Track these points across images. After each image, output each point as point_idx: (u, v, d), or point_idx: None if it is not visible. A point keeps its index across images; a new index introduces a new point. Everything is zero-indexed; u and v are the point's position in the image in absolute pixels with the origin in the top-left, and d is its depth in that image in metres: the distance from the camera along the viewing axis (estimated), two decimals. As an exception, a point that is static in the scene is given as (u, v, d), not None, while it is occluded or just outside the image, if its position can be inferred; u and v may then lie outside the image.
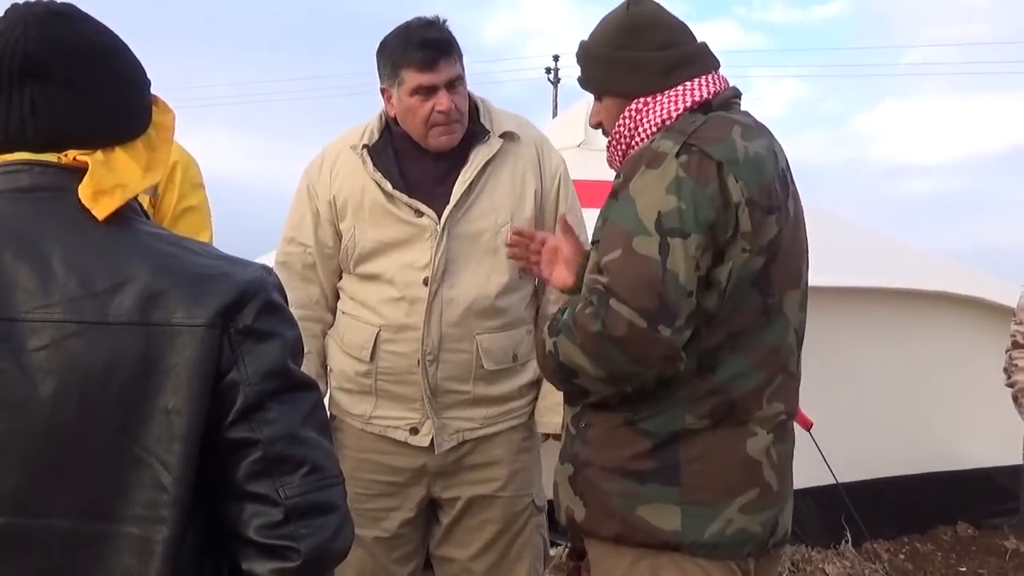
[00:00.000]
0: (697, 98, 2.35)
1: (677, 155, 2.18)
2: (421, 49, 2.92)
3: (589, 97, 2.56)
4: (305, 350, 3.03)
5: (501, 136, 3.08)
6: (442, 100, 2.93)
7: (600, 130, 2.53)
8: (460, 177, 3.00)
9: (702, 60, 2.42)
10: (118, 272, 1.45)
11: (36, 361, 1.41)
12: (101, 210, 1.48)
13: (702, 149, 2.19)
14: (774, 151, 2.34)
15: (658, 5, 2.46)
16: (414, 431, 3.04)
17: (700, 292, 2.17)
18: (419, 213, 2.98)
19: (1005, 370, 2.88)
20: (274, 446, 1.47)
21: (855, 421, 5.73)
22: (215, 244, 3.58)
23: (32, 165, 1.51)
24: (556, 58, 33.82)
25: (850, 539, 5.68)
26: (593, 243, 2.32)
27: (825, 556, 5.61)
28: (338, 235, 3.09)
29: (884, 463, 6.00)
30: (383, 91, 3.05)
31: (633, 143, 2.39)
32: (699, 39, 2.48)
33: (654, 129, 2.34)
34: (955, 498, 6.24)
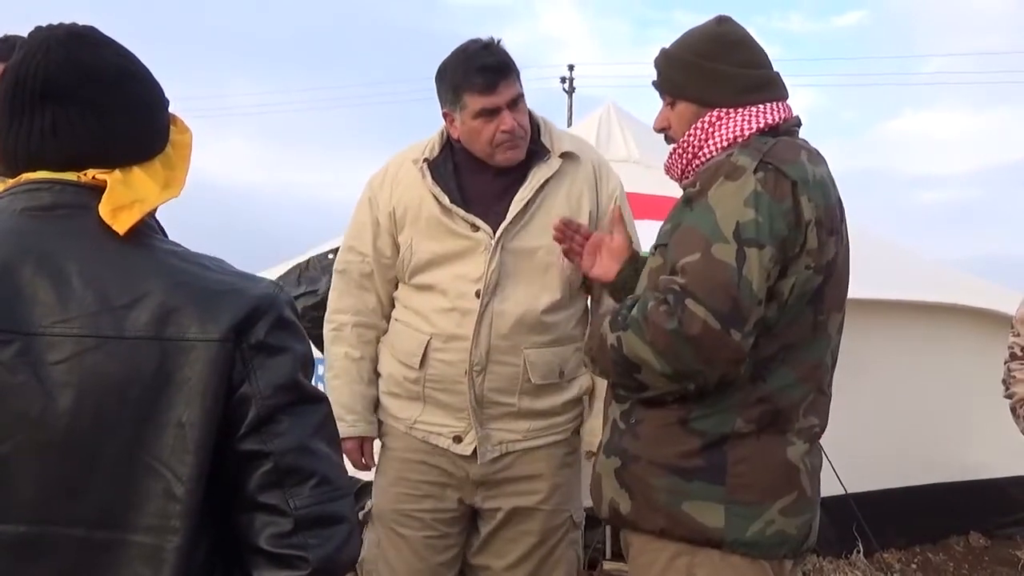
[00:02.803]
0: (770, 121, 2.44)
1: (755, 171, 2.27)
2: (482, 74, 2.98)
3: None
4: (358, 356, 3.17)
5: (561, 156, 3.13)
6: (506, 120, 2.99)
7: (663, 136, 2.60)
8: (518, 195, 3.06)
9: (776, 87, 2.52)
10: (134, 288, 1.49)
11: (55, 374, 1.45)
12: (121, 225, 1.51)
13: (778, 168, 2.29)
14: (832, 179, 2.44)
15: (744, 27, 2.55)
16: (457, 439, 3.09)
17: (764, 303, 2.25)
18: (475, 227, 3.04)
19: (1003, 382, 2.89)
20: (284, 458, 1.51)
21: (866, 431, 5.73)
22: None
23: (52, 183, 1.55)
24: (571, 67, 33.78)
25: (861, 549, 5.68)
26: (659, 246, 2.42)
27: (837, 566, 5.62)
28: (396, 245, 3.16)
29: (896, 473, 6.01)
30: (445, 115, 3.10)
31: (700, 154, 2.47)
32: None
33: (724, 144, 2.43)
34: (967, 508, 6.24)
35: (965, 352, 6.18)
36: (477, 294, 3.02)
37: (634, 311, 2.30)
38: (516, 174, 3.09)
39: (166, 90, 1.68)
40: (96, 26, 1.63)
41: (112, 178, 1.54)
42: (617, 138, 7.06)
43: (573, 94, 33.52)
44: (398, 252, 3.15)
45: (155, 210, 1.60)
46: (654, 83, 2.59)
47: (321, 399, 1.59)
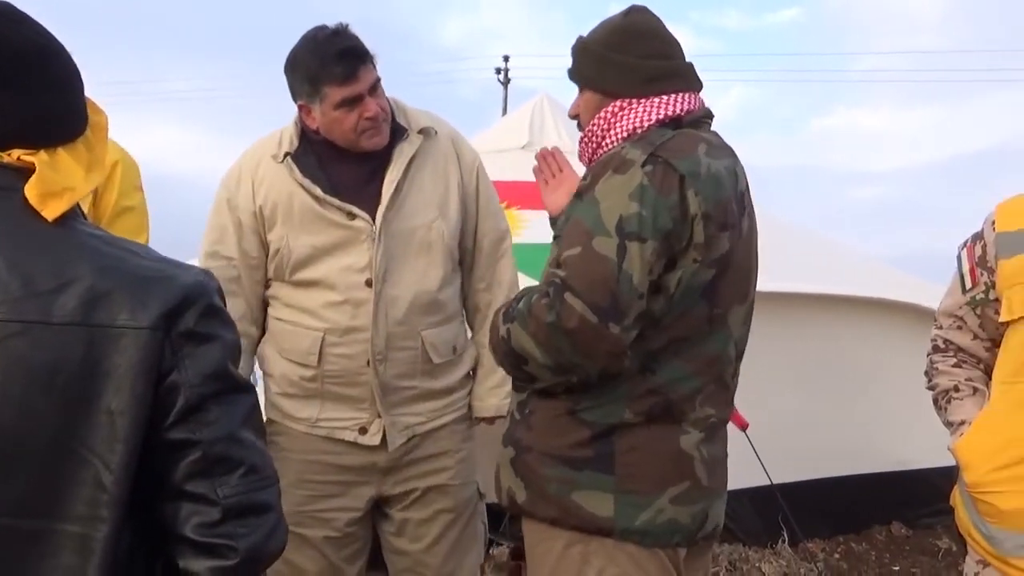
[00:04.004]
0: (670, 112, 2.44)
1: (643, 164, 2.27)
2: (340, 62, 2.91)
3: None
4: None
5: (419, 132, 3.11)
6: (369, 107, 2.95)
7: (576, 123, 2.61)
8: (387, 177, 3.03)
9: (683, 78, 2.51)
10: (61, 273, 1.47)
11: None
12: (50, 213, 1.50)
13: (668, 161, 2.28)
14: (735, 172, 2.43)
15: (656, 18, 2.54)
16: (363, 431, 3.07)
17: (649, 296, 2.25)
18: (352, 216, 2.99)
19: (926, 373, 2.93)
20: (213, 447, 1.50)
21: (791, 422, 5.80)
22: (152, 244, 3.57)
23: None
24: (506, 58, 33.79)
25: (787, 539, 5.74)
26: (555, 238, 2.41)
27: (762, 556, 5.67)
28: (263, 245, 3.08)
29: (821, 464, 6.07)
30: (301, 107, 3.03)
31: (603, 143, 2.48)
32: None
33: (624, 135, 2.43)
34: (890, 499, 6.33)
35: (890, 345, 6.27)
36: (368, 283, 2.99)
37: (520, 303, 2.32)
38: (380, 157, 3.05)
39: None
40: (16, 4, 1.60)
41: (39, 160, 1.52)
42: (550, 129, 7.06)
43: (508, 85, 33.53)
44: (266, 252, 3.08)
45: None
46: (568, 71, 2.60)
47: (249, 388, 1.59)
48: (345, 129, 2.97)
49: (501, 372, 3.13)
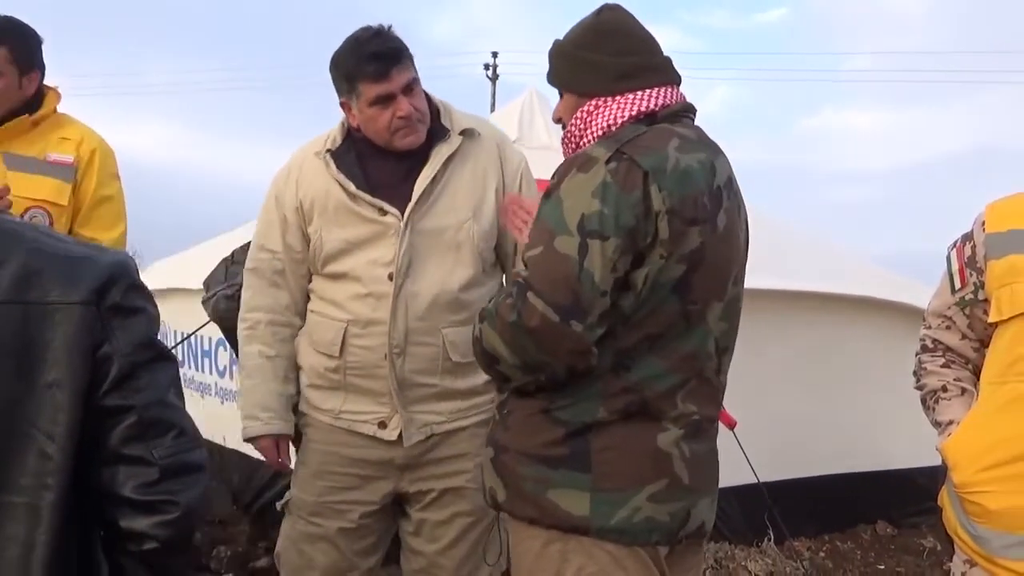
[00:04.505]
0: (643, 108, 2.44)
1: (607, 161, 2.27)
2: (374, 61, 3.01)
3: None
4: (272, 354, 3.15)
5: (461, 134, 3.16)
6: (402, 106, 3.02)
7: (560, 125, 2.61)
8: (421, 175, 3.08)
9: (658, 73, 2.50)
10: None
11: None
12: None
13: (632, 157, 2.27)
14: (712, 166, 2.40)
15: (629, 15, 2.54)
16: (382, 425, 3.10)
17: (617, 293, 2.26)
18: (383, 211, 3.05)
19: (915, 373, 2.93)
20: (147, 411, 1.59)
21: (779, 421, 5.80)
22: (129, 234, 3.60)
23: None
24: (495, 54, 33.82)
25: (772, 537, 5.75)
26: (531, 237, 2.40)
27: (748, 554, 5.68)
28: (306, 239, 3.17)
29: (808, 463, 6.09)
30: (343, 104, 3.13)
31: (582, 143, 2.48)
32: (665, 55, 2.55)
33: (599, 133, 2.44)
34: (876, 498, 6.35)
35: (878, 344, 6.28)
36: (390, 277, 3.03)
37: (491, 303, 2.34)
38: (418, 156, 3.12)
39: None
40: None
41: None
42: (539, 125, 7.04)
43: (497, 81, 33.53)
44: (308, 245, 3.17)
45: None
46: (546, 75, 2.61)
47: (172, 357, 1.70)
48: (379, 127, 3.05)
49: None
